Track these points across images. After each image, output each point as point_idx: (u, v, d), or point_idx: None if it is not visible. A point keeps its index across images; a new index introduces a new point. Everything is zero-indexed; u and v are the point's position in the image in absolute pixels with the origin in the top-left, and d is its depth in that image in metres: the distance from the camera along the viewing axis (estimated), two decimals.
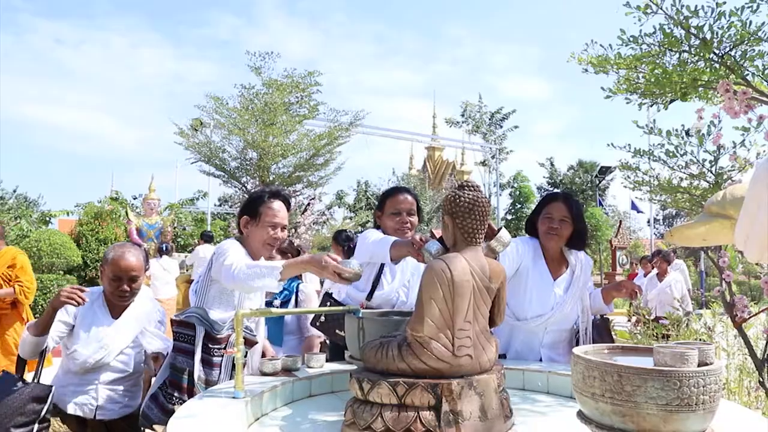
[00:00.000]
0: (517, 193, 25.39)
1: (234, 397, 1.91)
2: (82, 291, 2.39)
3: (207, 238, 10.87)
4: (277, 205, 2.53)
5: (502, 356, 2.80)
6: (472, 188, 1.85)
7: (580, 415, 1.35)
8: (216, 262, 2.38)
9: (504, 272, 1.87)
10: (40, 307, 9.93)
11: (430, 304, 1.71)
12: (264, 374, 2.23)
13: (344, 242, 5.55)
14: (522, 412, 2.01)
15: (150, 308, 2.77)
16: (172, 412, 1.94)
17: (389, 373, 1.71)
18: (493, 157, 21.44)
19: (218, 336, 2.24)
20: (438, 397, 1.65)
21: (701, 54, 2.89)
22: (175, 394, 2.24)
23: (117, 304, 2.66)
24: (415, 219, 2.93)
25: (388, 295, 2.92)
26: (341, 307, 2.34)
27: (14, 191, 27.13)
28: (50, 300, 2.40)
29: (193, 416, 1.73)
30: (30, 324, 2.49)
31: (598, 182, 22.68)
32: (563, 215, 2.72)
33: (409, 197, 2.96)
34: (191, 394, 2.17)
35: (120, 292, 2.60)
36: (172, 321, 2.43)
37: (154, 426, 2.24)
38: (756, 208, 0.88)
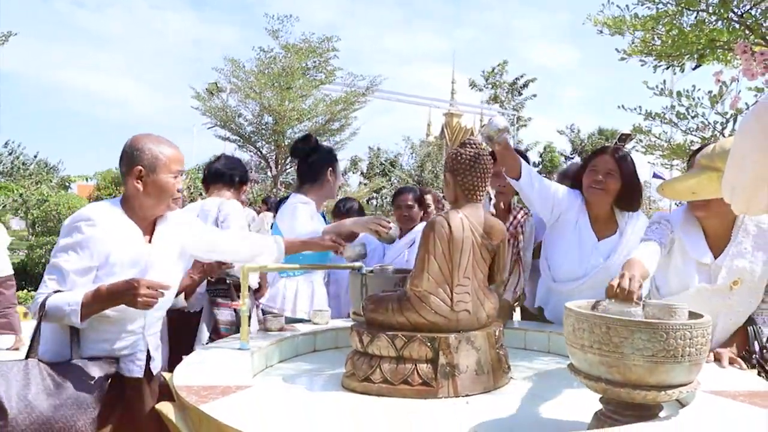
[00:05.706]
0: (548, 162, 25.17)
1: (240, 349, 1.98)
2: (163, 288, 1.70)
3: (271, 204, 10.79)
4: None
5: (540, 310, 2.70)
6: (474, 146, 1.86)
7: (571, 367, 1.38)
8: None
9: (504, 230, 1.88)
10: None
11: (430, 260, 1.74)
12: (268, 330, 2.30)
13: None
14: (521, 368, 2.05)
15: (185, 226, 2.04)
16: None
17: (388, 326, 1.76)
18: (512, 124, 21.19)
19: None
20: (435, 351, 1.69)
21: (720, 13, 2.82)
22: None
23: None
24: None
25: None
26: (345, 265, 2.38)
27: (35, 157, 27.53)
28: (108, 290, 1.67)
29: (201, 363, 1.80)
30: (72, 304, 1.65)
31: None
32: (609, 168, 2.43)
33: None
34: None
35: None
36: (208, 282, 2.60)
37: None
38: (741, 158, 0.88)
